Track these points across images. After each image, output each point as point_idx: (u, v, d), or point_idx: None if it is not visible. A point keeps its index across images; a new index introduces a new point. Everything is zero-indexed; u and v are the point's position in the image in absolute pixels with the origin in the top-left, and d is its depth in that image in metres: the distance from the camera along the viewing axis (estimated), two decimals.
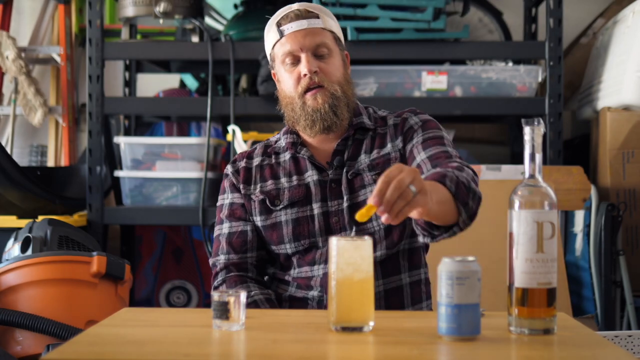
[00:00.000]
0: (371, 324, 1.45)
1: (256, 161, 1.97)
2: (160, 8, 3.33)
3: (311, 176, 1.90)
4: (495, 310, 1.62)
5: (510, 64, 3.58)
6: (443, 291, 1.36)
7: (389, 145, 1.91)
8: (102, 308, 2.66)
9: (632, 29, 3.20)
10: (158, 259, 3.98)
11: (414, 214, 1.47)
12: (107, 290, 2.73)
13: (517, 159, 3.72)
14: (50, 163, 4.12)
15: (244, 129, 3.41)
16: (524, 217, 1.40)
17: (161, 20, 3.46)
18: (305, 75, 1.86)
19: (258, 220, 1.92)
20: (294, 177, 1.92)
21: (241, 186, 1.95)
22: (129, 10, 3.42)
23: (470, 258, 1.38)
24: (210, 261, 1.96)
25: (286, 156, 1.95)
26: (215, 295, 1.47)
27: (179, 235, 3.98)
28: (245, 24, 3.64)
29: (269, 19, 1.95)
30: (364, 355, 1.33)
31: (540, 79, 3.37)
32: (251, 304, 1.81)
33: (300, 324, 1.57)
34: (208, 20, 3.92)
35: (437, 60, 3.43)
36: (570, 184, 3.08)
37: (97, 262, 2.69)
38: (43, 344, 2.52)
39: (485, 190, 3.03)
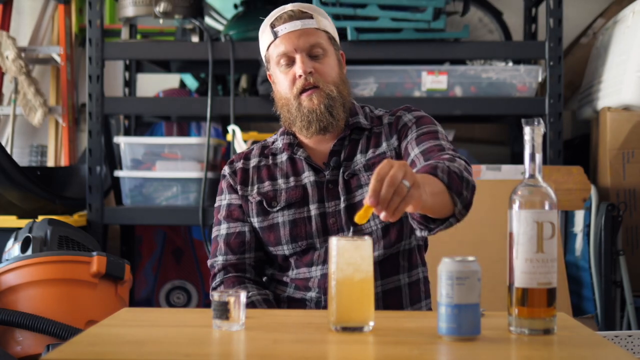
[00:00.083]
0: (371, 324, 1.45)
1: (253, 162, 1.97)
2: (160, 8, 3.33)
3: (308, 177, 1.90)
4: (495, 310, 1.62)
5: (510, 64, 3.58)
6: (443, 291, 1.36)
7: (384, 145, 1.90)
8: (102, 308, 2.66)
9: (632, 29, 3.20)
10: (158, 259, 3.98)
11: (409, 209, 1.46)
12: (107, 290, 2.73)
13: (517, 159, 3.72)
14: (50, 163, 4.12)
15: (244, 129, 3.41)
16: (524, 217, 1.40)
17: (161, 20, 3.46)
18: (300, 76, 1.85)
19: (255, 221, 1.92)
20: (291, 178, 1.91)
21: (238, 187, 1.94)
22: (129, 10, 3.42)
23: (470, 258, 1.38)
24: (209, 262, 1.96)
25: (283, 157, 1.95)
26: (215, 295, 1.47)
27: (179, 235, 3.98)
28: (245, 24, 3.64)
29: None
30: (364, 355, 1.33)
31: (540, 79, 3.37)
32: (249, 305, 1.81)
33: (300, 324, 1.57)
34: (208, 20, 3.92)
35: (437, 60, 3.43)
36: (570, 184, 3.08)
37: (97, 262, 2.68)
38: (43, 344, 2.52)
39: (485, 190, 3.04)
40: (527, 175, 1.43)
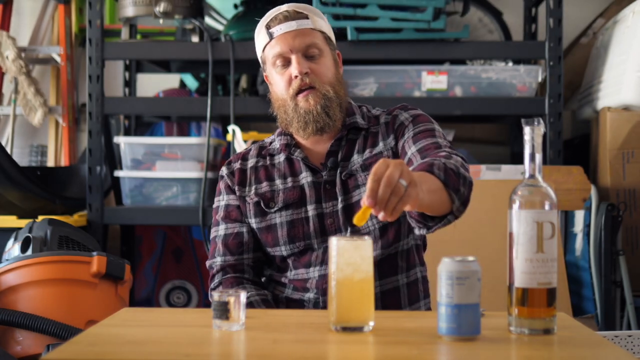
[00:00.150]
0: (371, 324, 1.45)
1: (251, 163, 1.96)
2: (160, 8, 3.33)
3: (305, 178, 1.90)
4: (495, 310, 1.62)
5: (510, 64, 3.58)
6: (443, 291, 1.36)
7: (381, 144, 1.90)
8: (102, 308, 2.66)
9: (632, 29, 3.20)
10: (158, 259, 3.98)
11: (406, 207, 1.46)
12: (107, 290, 2.73)
13: (517, 159, 3.72)
14: (50, 163, 4.12)
15: (244, 129, 3.41)
16: (524, 217, 1.40)
17: (161, 20, 3.46)
18: (296, 77, 1.85)
19: (253, 222, 1.91)
20: (289, 179, 1.91)
21: (236, 188, 1.94)
22: (129, 10, 3.42)
23: (470, 258, 1.38)
24: (207, 263, 1.96)
25: (280, 158, 1.95)
26: (215, 295, 1.47)
27: (179, 235, 3.98)
28: (245, 24, 3.64)
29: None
30: (364, 355, 1.33)
31: (540, 79, 3.37)
32: (247, 305, 1.81)
33: (300, 324, 1.57)
34: (208, 20, 3.92)
35: (437, 60, 3.43)
36: (570, 184, 3.08)
37: (97, 262, 2.69)
38: (43, 344, 2.52)
39: (485, 190, 3.04)
40: (527, 175, 1.43)
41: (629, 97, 3.14)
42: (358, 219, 1.42)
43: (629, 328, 3.03)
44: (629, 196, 3.15)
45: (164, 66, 3.96)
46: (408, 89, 3.37)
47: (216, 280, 1.92)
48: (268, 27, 1.88)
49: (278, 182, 1.92)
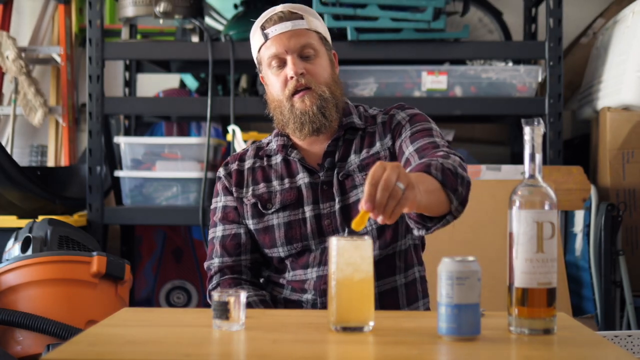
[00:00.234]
0: (371, 324, 1.45)
1: (248, 163, 1.96)
2: (160, 8, 3.33)
3: (302, 179, 1.89)
4: (495, 310, 1.62)
5: (510, 64, 3.58)
6: (443, 291, 1.36)
7: (377, 144, 1.89)
8: (102, 308, 2.66)
9: (632, 29, 3.20)
10: (158, 259, 3.98)
11: (405, 210, 1.45)
12: (107, 290, 2.73)
13: (517, 159, 3.72)
14: (50, 163, 4.12)
15: (244, 129, 3.41)
16: (524, 217, 1.40)
17: (161, 20, 3.46)
18: (291, 77, 1.84)
19: (250, 223, 1.91)
20: (286, 180, 1.90)
21: (233, 189, 1.94)
22: (129, 10, 3.42)
23: (470, 258, 1.38)
24: (205, 264, 1.96)
25: (278, 159, 1.94)
26: (215, 295, 1.47)
27: (179, 235, 3.99)
28: (245, 24, 3.64)
29: None
30: (364, 355, 1.33)
31: (540, 79, 3.37)
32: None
33: (300, 324, 1.57)
34: (208, 20, 3.92)
35: (437, 60, 3.43)
36: (570, 184, 3.08)
37: (97, 262, 2.69)
38: (43, 344, 2.52)
39: (485, 190, 3.05)
40: (527, 175, 1.43)
41: (629, 97, 3.14)
42: (356, 224, 1.42)
43: (629, 328, 3.03)
44: (629, 196, 3.15)
45: (164, 66, 3.96)
46: (408, 89, 3.37)
47: (214, 281, 1.92)
48: (263, 28, 1.88)
49: (275, 183, 1.91)
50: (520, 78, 3.36)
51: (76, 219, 3.34)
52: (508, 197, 1.43)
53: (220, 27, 3.95)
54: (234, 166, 1.96)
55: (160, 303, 3.93)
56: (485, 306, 1.50)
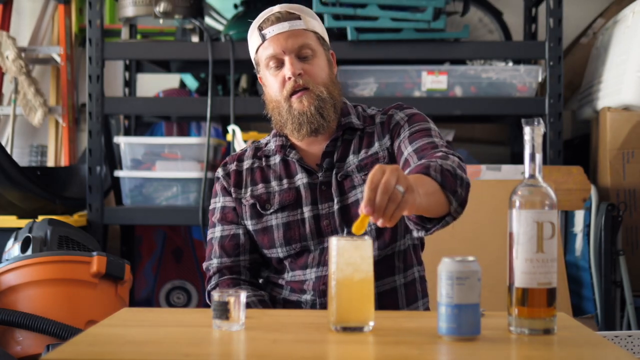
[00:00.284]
0: (371, 324, 1.45)
1: (247, 164, 1.95)
2: (160, 8, 3.33)
3: (301, 179, 1.89)
4: (495, 310, 1.62)
5: (510, 64, 3.58)
6: (443, 291, 1.36)
7: (376, 144, 1.89)
8: (102, 308, 2.66)
9: (632, 29, 3.20)
10: (158, 259, 3.98)
11: (404, 212, 1.45)
12: (107, 290, 2.73)
13: (517, 159, 3.72)
14: (50, 163, 4.12)
15: (244, 129, 3.41)
16: (524, 217, 1.40)
17: (161, 20, 3.46)
18: (289, 78, 1.84)
19: (249, 224, 1.91)
20: (284, 181, 1.90)
21: (232, 190, 1.93)
22: (129, 10, 3.42)
23: (470, 258, 1.37)
24: (204, 265, 1.96)
25: (276, 159, 1.94)
26: (215, 295, 1.47)
27: (179, 235, 3.98)
28: (245, 24, 3.62)
29: None
30: (364, 355, 1.33)
31: (540, 79, 3.37)
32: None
33: (300, 324, 1.57)
34: (208, 20, 3.92)
35: (437, 60, 3.43)
36: (570, 184, 3.08)
37: (97, 262, 2.69)
38: (43, 344, 2.52)
39: (485, 190, 3.04)
40: (527, 175, 1.43)
41: (629, 97, 3.14)
42: (357, 228, 1.42)
43: (629, 328, 3.03)
44: (629, 196, 3.15)
45: (164, 66, 3.96)
46: (408, 89, 3.37)
47: (213, 282, 1.91)
48: (260, 28, 1.87)
49: (274, 183, 1.91)
50: (521, 78, 3.36)
51: (76, 219, 3.34)
52: (508, 197, 1.43)
53: (220, 27, 3.95)
54: (232, 167, 1.96)
55: (160, 303, 3.93)
56: (485, 306, 1.50)
